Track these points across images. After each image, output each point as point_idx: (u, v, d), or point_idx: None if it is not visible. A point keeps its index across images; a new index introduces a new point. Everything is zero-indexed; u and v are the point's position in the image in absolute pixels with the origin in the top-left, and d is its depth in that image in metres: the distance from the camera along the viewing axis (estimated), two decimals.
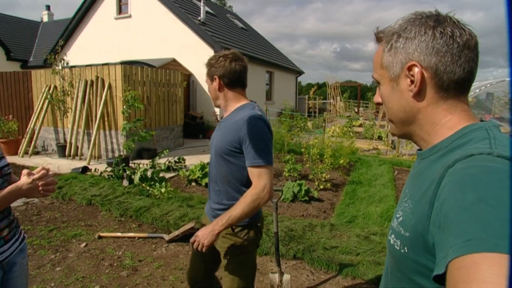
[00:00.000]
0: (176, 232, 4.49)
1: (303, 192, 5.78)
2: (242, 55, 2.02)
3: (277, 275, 3.09)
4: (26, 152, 9.02)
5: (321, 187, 6.40)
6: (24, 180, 1.56)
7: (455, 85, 0.79)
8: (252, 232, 1.98)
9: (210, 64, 1.99)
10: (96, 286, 3.35)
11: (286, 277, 3.11)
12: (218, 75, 1.95)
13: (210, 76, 2.00)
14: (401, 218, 0.81)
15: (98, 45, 14.86)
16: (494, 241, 0.54)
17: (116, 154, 8.44)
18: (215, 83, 1.99)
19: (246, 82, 2.06)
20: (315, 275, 3.60)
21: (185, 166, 7.79)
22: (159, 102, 9.48)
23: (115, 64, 8.48)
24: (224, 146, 1.93)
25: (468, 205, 0.60)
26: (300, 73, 22.84)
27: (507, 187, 0.58)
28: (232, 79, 1.98)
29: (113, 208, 5.31)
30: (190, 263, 2.30)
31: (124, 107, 7.30)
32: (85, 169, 7.12)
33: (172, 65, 11.80)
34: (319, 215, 5.28)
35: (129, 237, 4.49)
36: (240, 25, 20.25)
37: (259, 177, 1.85)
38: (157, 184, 5.95)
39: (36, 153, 9.39)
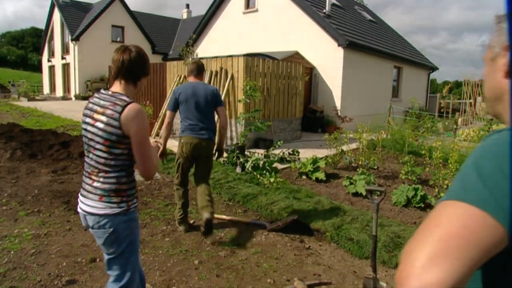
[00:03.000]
0: (278, 222, 4.47)
1: (418, 197, 5.25)
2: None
3: (371, 281, 2.83)
4: (157, 134, 9.98)
5: (442, 194, 5.74)
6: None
7: None
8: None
9: None
10: (195, 260, 3.52)
11: (382, 285, 2.83)
12: None
13: None
14: None
15: (227, 38, 15.72)
16: (463, 194, 0.69)
17: (234, 142, 8.80)
18: None
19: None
20: None
21: (298, 158, 7.76)
22: (278, 94, 9.60)
23: (238, 56, 8.83)
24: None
25: (462, 167, 0.74)
26: (433, 69, 20.96)
27: (502, 159, 0.68)
28: None
29: (223, 192, 5.53)
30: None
31: (243, 97, 7.55)
32: None
33: (295, 58, 11.84)
34: None
35: (233, 221, 4.61)
36: (369, 17, 19.37)
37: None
38: (267, 173, 6.01)
39: None
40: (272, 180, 5.67)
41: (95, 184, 2.02)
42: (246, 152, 7.92)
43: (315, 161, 6.50)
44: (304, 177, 6.57)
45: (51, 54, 28.66)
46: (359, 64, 13.11)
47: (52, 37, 28.16)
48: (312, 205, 5.02)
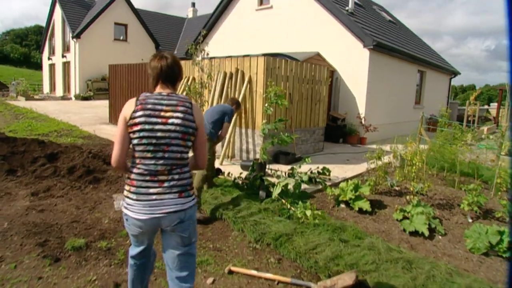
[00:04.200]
0: (329, 283, 3.24)
1: (504, 243, 4.01)
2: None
3: None
4: None
5: None
6: None
7: None
8: None
9: None
10: None
11: None
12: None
13: None
14: None
15: (238, 37, 14.46)
16: None
17: (251, 155, 7.58)
18: None
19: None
20: None
21: (329, 179, 6.53)
22: (301, 100, 8.37)
23: (257, 56, 7.60)
24: None
25: None
26: (455, 73, 19.69)
27: None
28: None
29: (247, 230, 4.29)
30: None
31: (266, 104, 6.33)
32: (218, 171, 6.34)
33: (316, 59, 10.61)
34: None
35: (266, 279, 3.38)
36: (388, 17, 18.13)
37: None
38: (300, 202, 4.78)
39: None
40: (308, 213, 4.44)
41: (170, 183, 2.12)
42: (267, 169, 6.71)
43: (356, 186, 5.25)
44: (343, 205, 5.33)
45: (52, 52, 27.52)
46: (384, 67, 11.87)
47: (53, 35, 27.02)
48: (365, 251, 3.80)
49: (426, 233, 4.41)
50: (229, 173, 6.45)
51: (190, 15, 31.27)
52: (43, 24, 28.22)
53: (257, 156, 7.46)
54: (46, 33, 28.02)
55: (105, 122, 12.97)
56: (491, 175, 6.91)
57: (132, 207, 2.13)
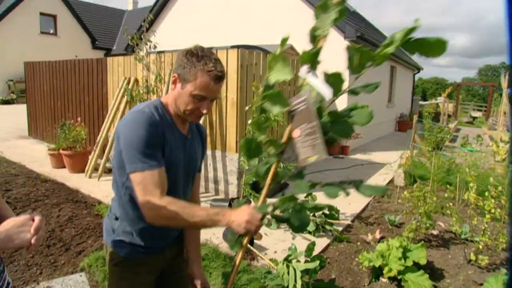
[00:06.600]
0: None
1: None
2: None
3: None
4: (96, 169, 6.42)
5: None
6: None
7: None
8: None
9: None
10: None
11: None
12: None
13: None
14: None
15: (193, 25, 12.14)
16: None
17: (221, 187, 5.49)
18: None
19: None
20: None
21: (337, 221, 4.59)
22: None
23: (226, 48, 5.49)
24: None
25: None
26: (419, 69, 18.65)
27: None
28: None
29: None
30: None
31: (250, 121, 4.28)
32: None
33: (289, 53, 8.68)
34: None
35: None
36: (352, 8, 16.63)
37: None
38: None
39: (109, 171, 6.75)
40: None
41: None
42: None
43: (406, 249, 3.35)
44: (384, 280, 3.40)
45: None
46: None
47: None
48: None
49: None
50: None
51: (130, 7, 28.25)
52: None
53: (231, 188, 5.38)
54: None
55: (24, 135, 10.23)
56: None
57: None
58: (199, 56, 1.44)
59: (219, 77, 1.46)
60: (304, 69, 1.19)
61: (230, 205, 4.63)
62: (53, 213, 4.65)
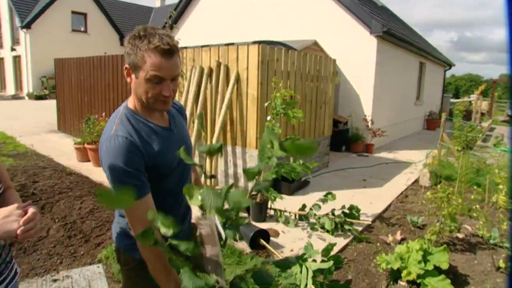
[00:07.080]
0: None
1: None
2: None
3: None
4: None
5: None
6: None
7: None
8: None
9: None
10: None
11: None
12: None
13: None
14: None
15: (217, 23, 12.15)
16: None
17: (241, 183, 5.48)
18: None
19: None
20: None
21: (358, 220, 4.49)
22: (304, 103, 6.28)
23: (247, 44, 5.46)
24: None
25: None
26: (450, 65, 18.07)
27: None
28: None
29: None
30: None
31: (269, 117, 4.24)
32: None
33: (313, 49, 8.56)
34: None
35: None
36: (380, 3, 16.26)
37: None
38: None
39: None
40: None
41: None
42: (269, 210, 4.66)
43: (426, 252, 3.23)
44: (403, 283, 3.30)
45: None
46: (389, 59, 9.95)
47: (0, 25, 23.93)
48: None
49: None
50: None
51: (158, 4, 28.65)
52: None
53: (250, 185, 5.36)
54: None
55: (54, 129, 10.55)
56: None
57: None
58: (141, 36, 1.29)
59: (168, 50, 1.29)
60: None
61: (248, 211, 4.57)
62: (75, 205, 4.76)
